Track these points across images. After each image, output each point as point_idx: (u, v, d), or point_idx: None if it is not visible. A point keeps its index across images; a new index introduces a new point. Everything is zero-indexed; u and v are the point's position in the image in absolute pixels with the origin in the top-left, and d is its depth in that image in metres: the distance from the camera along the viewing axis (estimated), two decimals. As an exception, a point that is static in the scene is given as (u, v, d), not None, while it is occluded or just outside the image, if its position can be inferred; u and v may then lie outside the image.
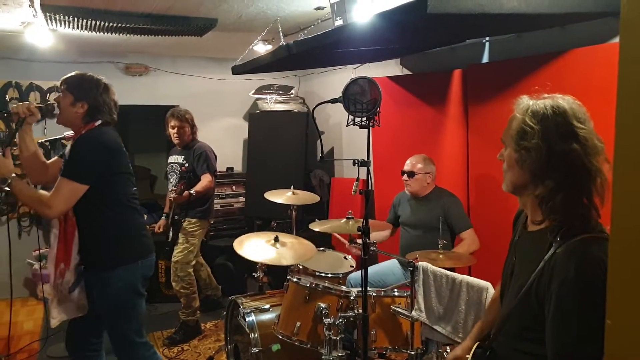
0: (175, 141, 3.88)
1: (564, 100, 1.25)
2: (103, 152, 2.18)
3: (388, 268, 3.31)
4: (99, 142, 2.18)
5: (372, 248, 2.25)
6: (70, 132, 2.81)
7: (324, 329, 2.34)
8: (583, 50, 2.59)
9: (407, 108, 3.75)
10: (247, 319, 2.69)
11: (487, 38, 3.27)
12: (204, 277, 4.21)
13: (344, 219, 2.86)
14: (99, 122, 2.25)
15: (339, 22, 2.65)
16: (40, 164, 2.39)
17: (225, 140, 5.44)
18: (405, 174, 3.18)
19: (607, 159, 1.19)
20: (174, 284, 3.77)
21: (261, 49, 3.98)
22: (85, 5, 3.11)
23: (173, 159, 3.95)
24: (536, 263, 1.24)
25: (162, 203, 4.30)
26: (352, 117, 2.21)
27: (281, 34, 3.41)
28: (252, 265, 3.30)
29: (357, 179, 2.36)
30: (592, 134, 1.22)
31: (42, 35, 3.58)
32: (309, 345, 2.44)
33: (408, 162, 3.20)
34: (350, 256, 3.33)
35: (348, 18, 2.60)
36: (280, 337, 2.51)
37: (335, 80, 5.09)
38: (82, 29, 3.46)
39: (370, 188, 2.24)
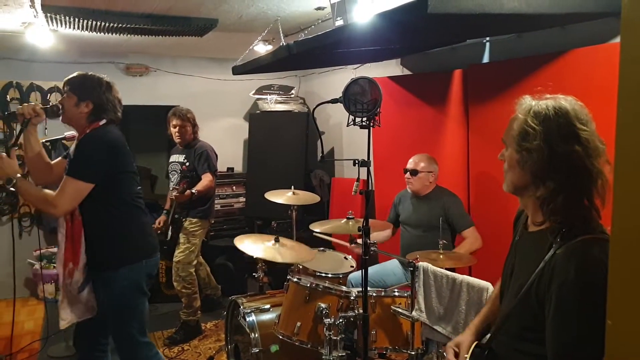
0: (177, 140, 3.89)
1: (567, 101, 1.25)
2: (108, 151, 2.18)
3: (388, 268, 3.31)
4: (103, 141, 2.19)
5: (372, 248, 2.25)
6: (70, 132, 2.81)
7: (324, 329, 2.34)
8: (584, 50, 2.59)
9: (407, 108, 3.75)
10: (247, 319, 2.69)
11: (488, 38, 3.27)
12: (203, 276, 4.21)
13: (345, 219, 2.86)
14: (104, 121, 2.26)
15: (339, 22, 2.65)
16: (45, 164, 2.40)
17: (226, 140, 5.44)
18: (408, 172, 3.18)
19: (608, 161, 1.19)
20: (175, 283, 3.77)
21: (261, 49, 3.98)
22: (86, 5, 3.11)
23: (174, 158, 3.95)
24: (536, 263, 1.24)
25: (162, 203, 4.30)
26: (353, 117, 2.21)
27: (281, 34, 3.42)
28: (252, 265, 3.31)
29: (358, 179, 2.36)
30: (594, 135, 1.21)
31: (43, 35, 3.59)
32: (309, 346, 2.44)
33: (411, 160, 3.20)
34: (350, 256, 3.33)
35: (348, 18, 2.61)
36: (280, 337, 2.51)
37: (335, 80, 5.09)
38: (82, 29, 3.46)
39: (370, 188, 2.24)
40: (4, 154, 2.14)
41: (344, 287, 2.63)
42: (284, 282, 2.69)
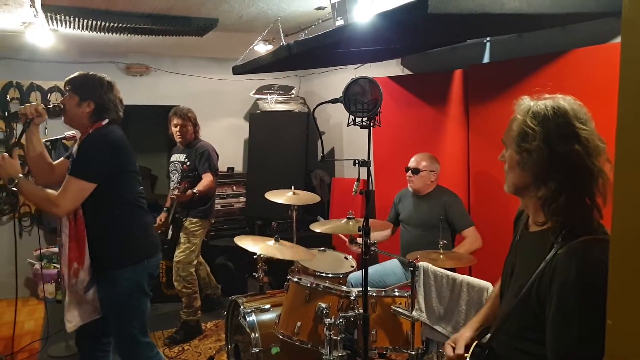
0: (178, 139, 3.89)
1: (565, 101, 1.25)
2: (111, 151, 2.19)
3: (389, 268, 3.31)
4: (106, 141, 2.19)
5: (372, 248, 2.25)
6: (70, 132, 2.82)
7: (325, 328, 2.34)
8: (584, 50, 2.59)
9: (407, 108, 3.75)
10: (247, 319, 2.69)
11: (488, 38, 3.27)
12: (203, 276, 4.21)
13: (345, 219, 2.86)
14: (106, 120, 2.26)
15: (339, 22, 2.65)
16: (47, 164, 2.40)
17: (226, 140, 5.44)
18: (410, 171, 3.18)
19: (608, 159, 1.19)
20: (175, 283, 3.77)
21: (262, 49, 3.98)
22: (86, 5, 3.11)
23: (175, 157, 3.95)
24: (537, 263, 1.24)
25: (162, 203, 4.30)
26: (353, 117, 2.21)
27: (282, 34, 3.41)
28: (252, 265, 3.30)
29: (358, 179, 2.36)
30: (594, 134, 1.21)
31: (43, 35, 3.59)
32: (309, 345, 2.44)
33: (413, 159, 3.21)
34: (350, 256, 3.33)
35: (349, 18, 2.61)
36: (280, 337, 2.51)
37: (336, 80, 5.09)
38: (83, 29, 3.46)
39: (370, 188, 2.24)
40: (6, 154, 2.14)
41: (344, 287, 2.64)
42: (284, 282, 2.69)
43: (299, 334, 2.44)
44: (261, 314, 2.74)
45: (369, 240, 2.24)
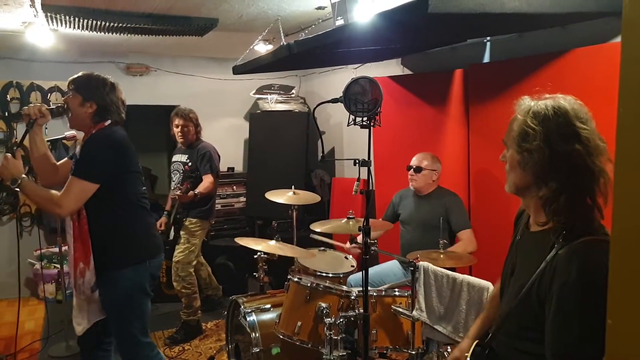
0: (180, 140, 3.89)
1: (566, 101, 1.25)
2: (113, 151, 2.19)
3: (389, 268, 3.31)
4: (109, 141, 2.20)
5: (372, 248, 2.25)
6: (71, 132, 2.82)
7: (325, 328, 2.34)
8: (584, 50, 2.58)
9: (408, 108, 3.75)
10: (248, 319, 2.69)
11: (488, 38, 3.27)
12: (204, 276, 4.21)
13: (345, 219, 2.86)
14: (109, 121, 2.26)
15: (339, 22, 2.65)
16: (51, 165, 2.40)
17: (226, 140, 5.44)
18: (412, 169, 3.19)
19: (609, 159, 1.19)
20: (175, 283, 3.77)
21: (262, 48, 3.98)
22: (86, 5, 3.11)
23: (177, 158, 3.96)
24: (538, 263, 1.24)
25: (162, 203, 4.31)
26: (353, 117, 2.21)
27: (282, 34, 3.41)
28: (253, 265, 3.31)
29: (358, 179, 2.36)
30: (594, 134, 1.21)
31: (43, 35, 3.59)
32: (309, 345, 2.44)
33: (415, 158, 3.21)
34: (350, 256, 3.33)
35: (349, 18, 2.60)
36: (281, 336, 2.51)
37: (336, 80, 5.09)
38: (83, 29, 3.46)
39: (371, 188, 2.24)
40: (9, 154, 2.15)
41: (344, 286, 2.64)
42: (285, 281, 2.70)
43: (300, 333, 2.44)
44: (261, 313, 2.74)
45: (369, 240, 2.24)
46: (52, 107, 2.28)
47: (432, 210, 3.10)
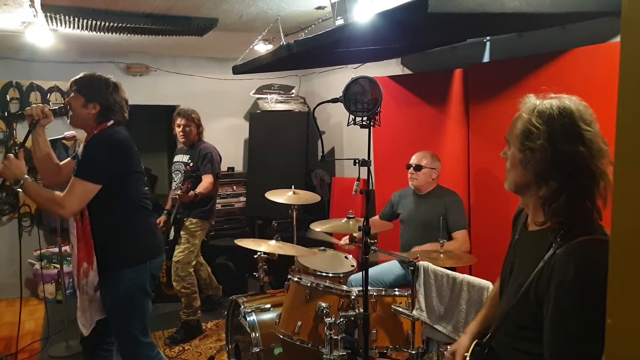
0: (181, 140, 3.90)
1: (571, 101, 1.24)
2: (115, 152, 2.19)
3: (388, 268, 3.31)
4: (111, 142, 2.20)
5: (372, 248, 2.25)
6: (70, 132, 2.82)
7: (325, 328, 2.34)
8: (584, 49, 2.59)
9: (407, 107, 3.75)
10: (248, 319, 2.69)
11: (488, 37, 3.27)
12: (204, 277, 4.21)
13: (345, 219, 2.86)
14: (112, 122, 2.26)
15: (339, 22, 2.65)
16: (54, 165, 2.41)
17: (226, 140, 5.43)
18: (412, 167, 3.19)
19: (611, 162, 1.19)
20: (174, 283, 3.77)
21: (262, 48, 3.98)
22: (86, 5, 3.11)
23: (178, 158, 3.97)
24: (536, 263, 1.24)
25: (162, 203, 4.31)
26: (353, 117, 2.21)
27: (282, 34, 3.41)
28: (253, 264, 3.31)
29: (358, 179, 2.36)
30: (598, 136, 1.21)
31: (43, 35, 3.59)
32: (310, 345, 2.44)
33: (415, 156, 3.22)
34: (351, 256, 3.33)
35: (349, 17, 2.60)
36: (281, 336, 2.51)
37: (336, 79, 5.09)
38: (82, 29, 3.46)
39: (371, 187, 2.24)
40: (12, 154, 2.15)
41: (344, 286, 2.64)
42: (285, 281, 2.70)
43: (300, 333, 2.45)
44: (261, 313, 2.74)
45: (369, 239, 2.24)
46: (54, 107, 2.28)
47: (432, 209, 3.11)
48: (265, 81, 5.30)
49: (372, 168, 2.25)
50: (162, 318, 4.11)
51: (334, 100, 2.25)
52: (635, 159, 0.78)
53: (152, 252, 2.33)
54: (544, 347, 1.20)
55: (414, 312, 2.34)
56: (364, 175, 2.26)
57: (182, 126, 3.83)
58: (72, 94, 2.25)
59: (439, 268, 2.39)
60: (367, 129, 2.23)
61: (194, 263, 3.82)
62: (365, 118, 2.19)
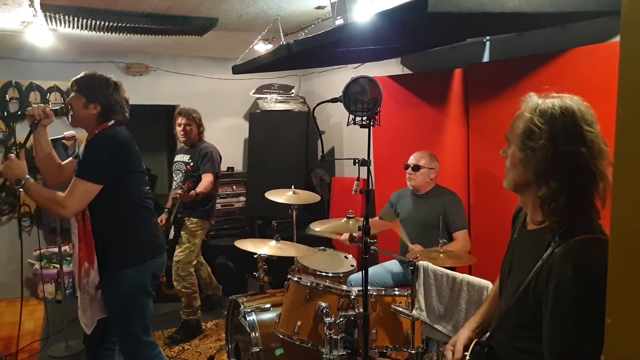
0: (182, 139, 3.90)
1: (573, 101, 1.24)
2: (116, 152, 2.19)
3: (388, 268, 3.31)
4: (112, 142, 2.20)
5: (372, 247, 2.25)
6: (70, 132, 2.82)
7: (325, 328, 2.34)
8: (584, 49, 2.59)
9: (407, 107, 3.75)
10: (247, 318, 2.70)
11: (488, 37, 3.27)
12: (204, 276, 4.21)
13: (345, 219, 2.86)
14: (112, 122, 2.26)
15: (339, 22, 2.65)
16: (56, 165, 2.41)
17: (226, 139, 5.43)
18: (410, 168, 3.19)
19: (611, 163, 1.19)
20: (175, 283, 3.77)
21: (261, 48, 3.98)
22: (86, 4, 3.11)
23: (179, 157, 3.97)
24: (534, 262, 1.24)
25: (162, 203, 4.30)
26: (353, 117, 2.21)
27: (281, 34, 3.41)
28: (252, 264, 3.31)
29: (358, 178, 2.36)
30: (599, 137, 1.21)
31: (42, 35, 3.58)
32: (309, 345, 2.44)
33: (413, 156, 3.22)
34: (350, 255, 3.33)
35: (348, 17, 2.60)
36: (281, 336, 2.51)
37: (335, 79, 5.09)
38: (82, 28, 3.46)
39: (370, 187, 2.24)
40: (13, 155, 2.15)
41: (344, 286, 2.64)
42: (285, 281, 2.70)
43: (299, 333, 2.45)
44: (261, 313, 2.74)
45: (369, 239, 2.24)
46: (55, 107, 2.28)
47: (431, 209, 3.11)
48: (265, 81, 5.30)
49: (371, 168, 2.25)
50: (162, 318, 4.10)
51: (334, 100, 2.25)
52: (635, 159, 0.78)
53: (152, 251, 2.33)
54: (544, 346, 1.20)
55: (414, 312, 2.34)
56: (363, 175, 2.26)
57: (183, 125, 3.83)
58: (73, 94, 2.25)
59: (439, 268, 2.39)
60: (367, 129, 2.23)
61: (194, 263, 3.82)
62: (365, 118, 2.19)
